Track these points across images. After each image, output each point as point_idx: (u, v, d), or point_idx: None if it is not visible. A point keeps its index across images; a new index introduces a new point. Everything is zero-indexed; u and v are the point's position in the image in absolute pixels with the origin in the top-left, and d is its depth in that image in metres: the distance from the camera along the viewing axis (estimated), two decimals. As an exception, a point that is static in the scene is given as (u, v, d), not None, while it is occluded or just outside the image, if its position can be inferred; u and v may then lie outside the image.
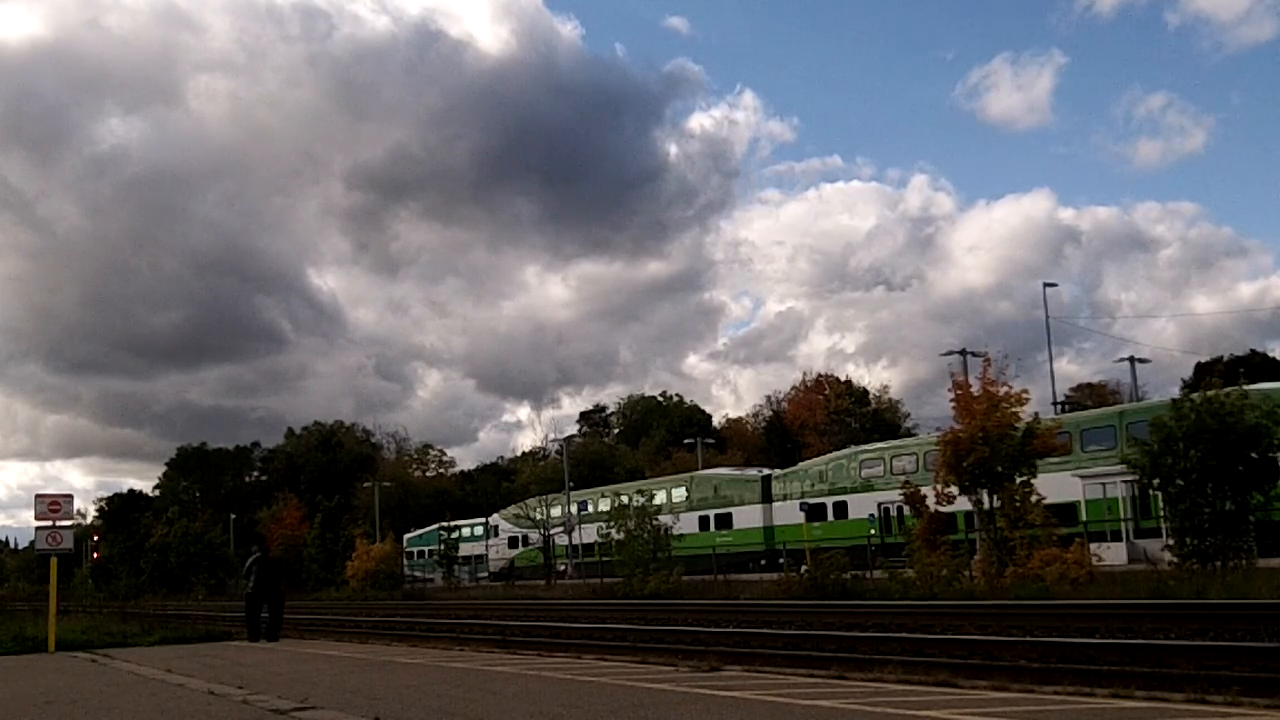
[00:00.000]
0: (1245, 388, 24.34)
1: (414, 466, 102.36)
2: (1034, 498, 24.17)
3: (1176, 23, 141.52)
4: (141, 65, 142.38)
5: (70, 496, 22.12)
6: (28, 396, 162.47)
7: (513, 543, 64.76)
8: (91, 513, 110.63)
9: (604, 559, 44.65)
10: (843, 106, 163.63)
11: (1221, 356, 66.21)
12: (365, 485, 79.34)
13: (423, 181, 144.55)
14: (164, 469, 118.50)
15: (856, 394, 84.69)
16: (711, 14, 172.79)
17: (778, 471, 52.16)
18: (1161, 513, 25.24)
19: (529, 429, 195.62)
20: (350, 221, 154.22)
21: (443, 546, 51.90)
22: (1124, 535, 33.52)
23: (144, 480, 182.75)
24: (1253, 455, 22.66)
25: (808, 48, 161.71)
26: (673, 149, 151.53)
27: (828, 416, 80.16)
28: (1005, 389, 25.03)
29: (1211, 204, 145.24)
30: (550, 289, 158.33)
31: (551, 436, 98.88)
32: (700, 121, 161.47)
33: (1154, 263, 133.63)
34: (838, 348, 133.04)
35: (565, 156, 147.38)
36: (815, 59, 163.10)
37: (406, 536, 72.33)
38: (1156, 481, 23.93)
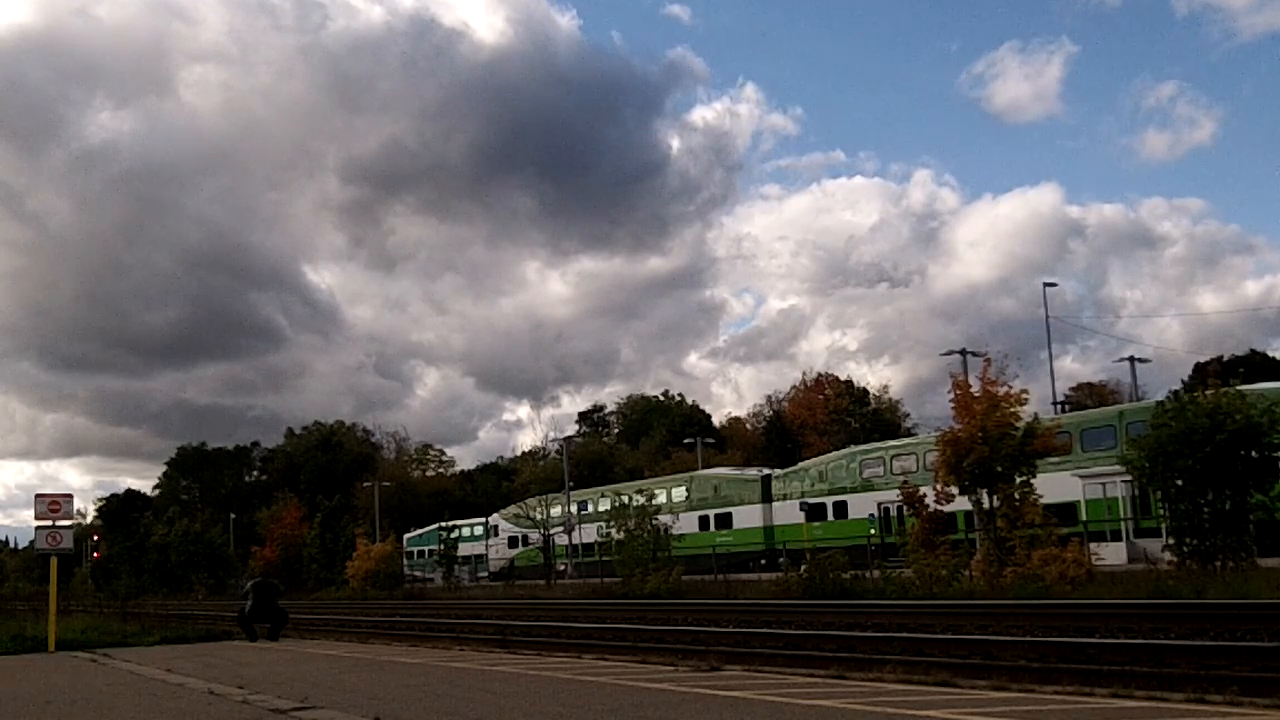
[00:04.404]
0: (1240, 387, 24.34)
1: (414, 466, 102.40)
2: (1033, 497, 24.17)
3: (1185, 11, 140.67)
4: (132, 56, 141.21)
5: (70, 496, 22.26)
6: (23, 395, 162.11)
7: (512, 542, 64.78)
8: (91, 513, 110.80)
9: (604, 559, 44.64)
10: (846, 98, 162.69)
11: (1221, 356, 66.29)
12: (365, 485, 79.40)
13: (419, 175, 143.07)
14: (163, 468, 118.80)
15: (857, 394, 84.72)
16: (712, 2, 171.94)
17: (778, 471, 52.14)
18: (1161, 513, 25.23)
19: (529, 428, 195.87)
20: (346, 216, 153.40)
21: (443, 546, 51.92)
22: (1124, 535, 33.54)
23: (142, 480, 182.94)
24: (1251, 455, 22.65)
25: (810, 38, 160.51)
26: (674, 143, 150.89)
27: (828, 416, 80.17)
28: (1005, 389, 25.02)
29: (1218, 200, 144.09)
30: (550, 285, 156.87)
31: (551, 436, 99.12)
32: (702, 114, 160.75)
33: (1159, 260, 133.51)
34: (839, 345, 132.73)
35: (564, 150, 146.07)
36: (817, 49, 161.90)
37: (406, 536, 72.35)
38: (1156, 478, 23.94)
